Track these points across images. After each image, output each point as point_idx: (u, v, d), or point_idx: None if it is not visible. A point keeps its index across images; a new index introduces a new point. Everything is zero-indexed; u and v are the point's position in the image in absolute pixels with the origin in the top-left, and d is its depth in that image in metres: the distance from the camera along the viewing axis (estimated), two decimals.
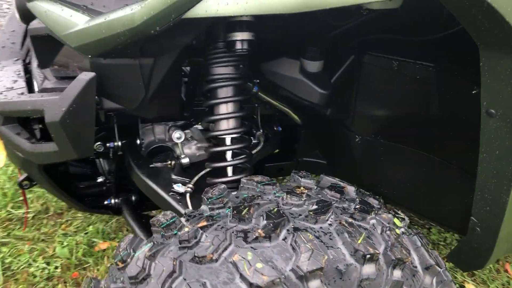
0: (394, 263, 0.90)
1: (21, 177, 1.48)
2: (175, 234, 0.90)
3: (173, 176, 1.34)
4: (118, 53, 0.99)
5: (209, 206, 0.95)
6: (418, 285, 0.95)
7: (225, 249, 0.83)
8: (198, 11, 0.85)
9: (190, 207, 1.22)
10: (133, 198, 1.60)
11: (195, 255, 0.83)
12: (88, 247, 1.98)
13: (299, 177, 1.04)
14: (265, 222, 0.86)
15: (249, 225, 0.87)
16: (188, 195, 1.25)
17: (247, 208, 0.89)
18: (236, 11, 0.81)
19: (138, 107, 1.13)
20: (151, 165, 1.36)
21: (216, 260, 0.82)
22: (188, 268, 0.82)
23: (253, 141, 1.58)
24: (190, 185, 1.27)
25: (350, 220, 0.92)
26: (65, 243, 1.98)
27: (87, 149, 1.14)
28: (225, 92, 1.18)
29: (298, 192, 0.95)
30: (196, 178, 1.30)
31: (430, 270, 0.97)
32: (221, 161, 1.23)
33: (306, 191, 0.96)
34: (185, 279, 0.81)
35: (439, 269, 0.98)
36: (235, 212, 0.89)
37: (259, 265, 0.80)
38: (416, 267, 0.95)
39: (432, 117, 1.37)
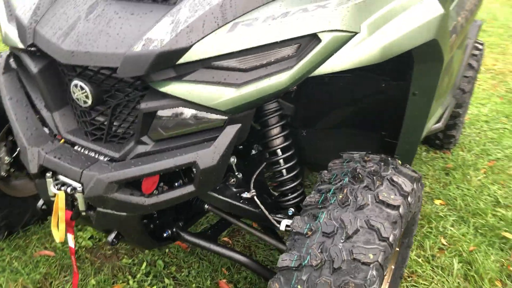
0: (417, 180, 1.72)
1: (112, 235, 1.68)
2: (332, 202, 1.50)
3: (235, 189, 1.83)
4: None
5: (333, 182, 1.57)
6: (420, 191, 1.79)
7: (368, 196, 1.49)
8: (323, 69, 1.45)
9: (260, 205, 1.77)
10: (181, 224, 1.96)
11: (358, 205, 1.46)
12: None
13: (354, 154, 1.73)
14: (375, 177, 1.55)
15: (365, 183, 1.54)
16: (255, 197, 1.78)
17: (359, 174, 1.56)
18: (348, 66, 1.46)
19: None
20: (217, 187, 1.80)
21: (368, 204, 1.47)
22: (358, 215, 1.45)
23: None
24: (252, 190, 1.80)
25: (394, 166, 1.68)
26: None
27: (219, 180, 1.56)
28: (276, 119, 1.76)
29: (368, 159, 1.67)
30: (251, 185, 1.82)
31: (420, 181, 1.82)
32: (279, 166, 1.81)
33: (369, 158, 1.68)
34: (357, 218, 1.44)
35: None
36: (355, 179, 1.55)
37: (392, 196, 1.50)
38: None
39: (354, 105, 2.24)
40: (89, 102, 1.57)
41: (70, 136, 1.71)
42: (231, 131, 1.48)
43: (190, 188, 1.54)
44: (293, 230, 1.51)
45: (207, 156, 1.47)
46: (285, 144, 1.79)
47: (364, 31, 1.46)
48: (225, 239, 2.62)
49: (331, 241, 1.43)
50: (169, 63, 1.40)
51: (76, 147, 1.69)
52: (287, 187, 1.82)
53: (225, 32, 1.40)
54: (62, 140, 1.72)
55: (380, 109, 2.21)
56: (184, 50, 1.39)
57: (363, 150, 2.42)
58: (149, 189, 1.63)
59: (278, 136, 1.77)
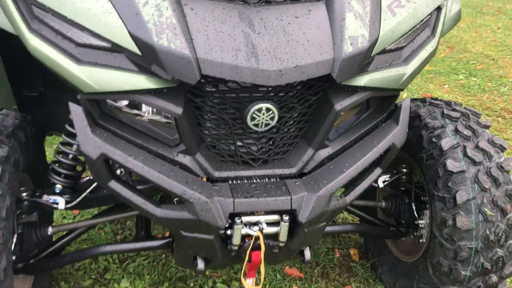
0: None
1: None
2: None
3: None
4: None
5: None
6: None
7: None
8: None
9: None
10: None
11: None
12: None
13: None
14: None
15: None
16: None
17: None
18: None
19: None
20: None
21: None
22: None
23: None
24: None
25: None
26: None
27: None
28: None
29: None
30: None
31: None
32: None
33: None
34: None
35: None
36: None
37: None
38: None
39: None
40: (273, 122, 1.41)
41: (226, 173, 1.48)
42: (407, 104, 1.59)
43: (378, 171, 1.60)
44: None
45: (400, 135, 1.56)
46: None
47: None
48: None
49: None
50: (369, 57, 1.40)
51: (233, 182, 1.48)
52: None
53: (390, 15, 1.46)
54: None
55: None
56: (376, 40, 1.40)
57: None
58: None
59: None
